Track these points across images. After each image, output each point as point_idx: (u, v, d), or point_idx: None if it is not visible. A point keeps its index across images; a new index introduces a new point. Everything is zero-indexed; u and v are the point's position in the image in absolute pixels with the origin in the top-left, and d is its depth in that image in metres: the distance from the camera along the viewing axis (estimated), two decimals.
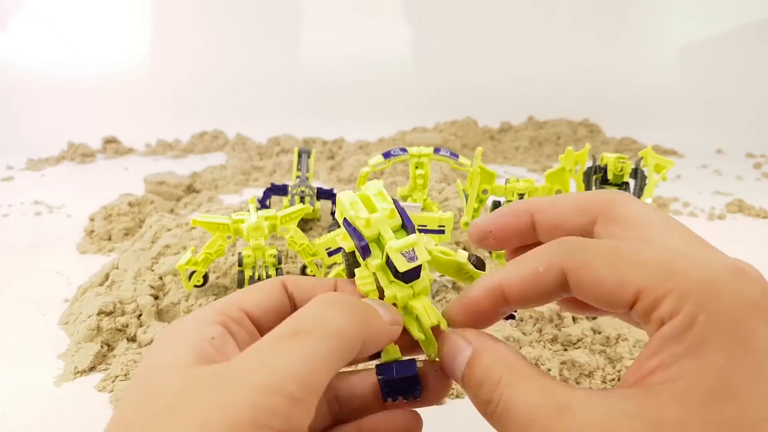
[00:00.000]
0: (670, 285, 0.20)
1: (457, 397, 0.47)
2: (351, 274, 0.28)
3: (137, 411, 0.19)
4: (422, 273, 0.26)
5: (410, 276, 0.25)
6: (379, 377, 0.26)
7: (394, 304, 0.26)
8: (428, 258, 0.25)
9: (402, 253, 0.24)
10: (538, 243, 0.26)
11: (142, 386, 0.21)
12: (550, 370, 0.48)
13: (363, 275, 0.26)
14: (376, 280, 0.26)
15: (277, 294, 0.26)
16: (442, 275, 0.63)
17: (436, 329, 0.26)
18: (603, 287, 0.22)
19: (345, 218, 0.26)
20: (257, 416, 0.18)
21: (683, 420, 0.18)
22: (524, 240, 0.28)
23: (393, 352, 0.26)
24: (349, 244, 0.27)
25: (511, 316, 0.28)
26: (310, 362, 0.20)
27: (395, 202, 0.27)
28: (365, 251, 0.25)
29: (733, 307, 0.20)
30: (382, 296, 0.26)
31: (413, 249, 0.25)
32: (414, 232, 0.26)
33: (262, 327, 0.25)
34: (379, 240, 0.26)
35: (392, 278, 0.25)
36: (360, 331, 0.23)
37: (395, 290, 0.25)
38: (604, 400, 0.20)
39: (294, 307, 0.26)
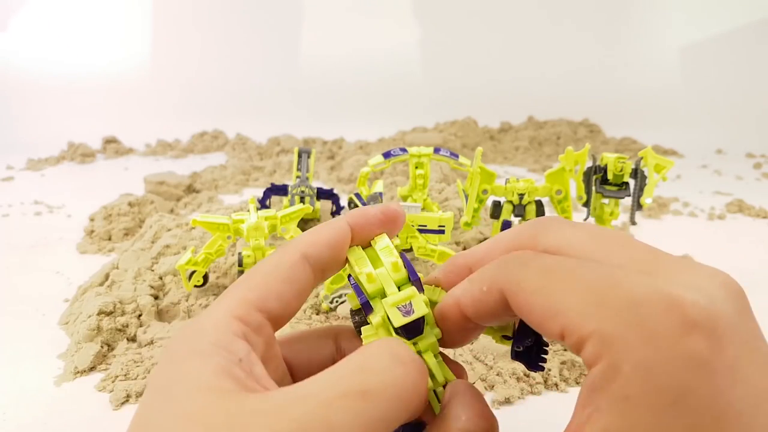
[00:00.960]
0: (593, 326, 0.18)
1: None
2: (359, 333, 0.26)
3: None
4: (426, 329, 0.24)
5: (410, 331, 0.24)
6: None
7: None
8: (426, 311, 0.23)
9: (398, 308, 0.23)
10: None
11: (172, 404, 0.19)
12: (550, 370, 0.48)
13: (369, 333, 0.25)
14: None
15: (301, 278, 0.24)
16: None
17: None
18: (533, 315, 0.20)
19: (349, 274, 0.26)
20: None
21: None
22: None
23: None
24: (355, 302, 0.25)
25: (540, 367, 0.26)
26: (371, 430, 0.19)
27: (402, 254, 0.25)
28: (367, 308, 0.24)
29: (664, 356, 0.16)
30: None
31: (410, 302, 0.23)
32: (420, 284, 0.25)
33: (281, 319, 0.23)
34: (383, 295, 0.25)
35: (394, 335, 0.24)
36: (419, 405, 0.20)
37: None
38: None
39: (319, 274, 0.25)
